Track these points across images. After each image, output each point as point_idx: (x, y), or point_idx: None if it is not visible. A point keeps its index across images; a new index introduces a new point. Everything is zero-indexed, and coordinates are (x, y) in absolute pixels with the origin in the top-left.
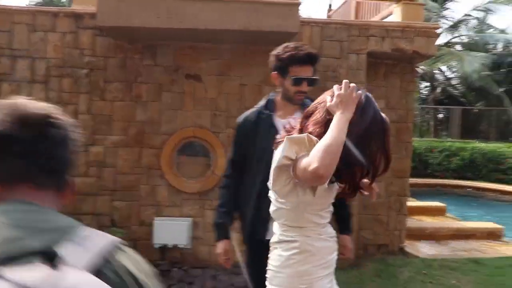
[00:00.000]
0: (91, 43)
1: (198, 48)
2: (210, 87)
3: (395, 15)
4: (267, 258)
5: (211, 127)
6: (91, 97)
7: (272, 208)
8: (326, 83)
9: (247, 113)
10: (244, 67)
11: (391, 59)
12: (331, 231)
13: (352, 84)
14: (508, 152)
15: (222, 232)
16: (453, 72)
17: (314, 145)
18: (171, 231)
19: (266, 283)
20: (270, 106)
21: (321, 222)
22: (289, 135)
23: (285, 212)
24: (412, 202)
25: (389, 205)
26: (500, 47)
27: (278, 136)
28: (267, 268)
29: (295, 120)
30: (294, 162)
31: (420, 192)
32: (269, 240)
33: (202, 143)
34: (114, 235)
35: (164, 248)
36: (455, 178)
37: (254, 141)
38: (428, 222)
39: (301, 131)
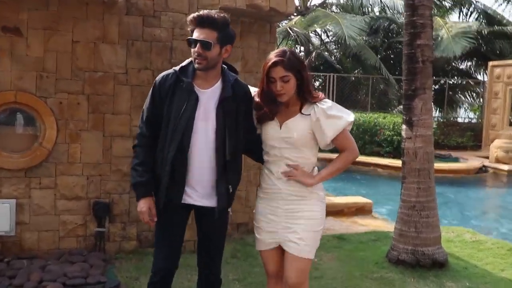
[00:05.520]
0: None
1: None
2: (34, 43)
3: None
4: (181, 222)
5: (36, 91)
6: None
7: None
8: (174, 41)
9: (167, 72)
10: (76, 20)
11: (247, 17)
12: None
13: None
14: (383, 122)
15: (144, 190)
16: (329, 36)
17: None
18: None
19: None
20: (191, 71)
21: None
22: None
23: None
24: None
25: (249, 179)
26: (376, 10)
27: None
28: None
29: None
30: None
31: None
32: (185, 204)
33: (27, 110)
34: None
35: None
36: (330, 151)
37: (171, 104)
38: None
39: None
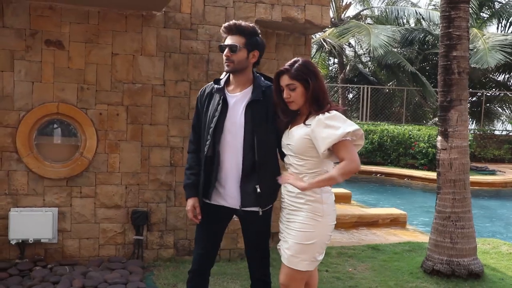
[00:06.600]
0: None
1: (60, 9)
2: (75, 56)
3: None
4: (218, 222)
5: (77, 103)
6: None
7: None
8: (210, 54)
9: (208, 84)
10: (115, 33)
11: (282, 29)
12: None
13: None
14: (418, 135)
15: (190, 191)
16: (362, 47)
17: None
18: (32, 223)
19: None
20: (224, 80)
21: None
22: None
23: None
24: None
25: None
26: (412, 22)
27: None
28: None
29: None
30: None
31: None
32: (214, 204)
33: (68, 121)
34: None
35: (23, 244)
36: (364, 163)
37: (207, 110)
38: None
39: None
